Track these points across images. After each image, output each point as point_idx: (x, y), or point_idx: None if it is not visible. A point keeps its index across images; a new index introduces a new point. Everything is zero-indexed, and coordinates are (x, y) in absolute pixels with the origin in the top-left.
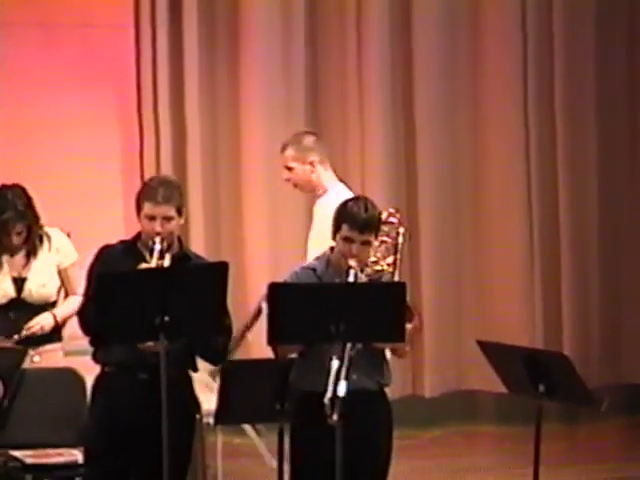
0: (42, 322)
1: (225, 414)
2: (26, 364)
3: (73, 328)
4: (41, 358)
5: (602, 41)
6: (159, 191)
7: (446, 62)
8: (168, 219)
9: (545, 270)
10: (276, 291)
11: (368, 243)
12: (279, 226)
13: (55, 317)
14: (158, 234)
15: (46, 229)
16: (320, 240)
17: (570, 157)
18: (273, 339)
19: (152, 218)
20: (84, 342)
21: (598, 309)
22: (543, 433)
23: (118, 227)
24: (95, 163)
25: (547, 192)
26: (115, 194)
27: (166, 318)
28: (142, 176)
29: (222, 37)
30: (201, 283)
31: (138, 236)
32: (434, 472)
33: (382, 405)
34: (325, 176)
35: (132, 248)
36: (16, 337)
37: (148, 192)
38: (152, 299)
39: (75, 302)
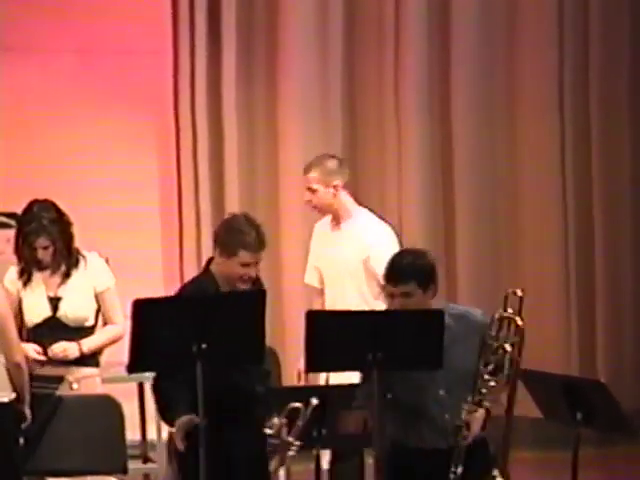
0: (67, 348)
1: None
2: (65, 391)
3: (110, 355)
4: (79, 385)
5: (637, 39)
6: (256, 238)
7: (483, 71)
8: (258, 263)
9: (580, 293)
10: (313, 318)
11: (408, 295)
12: None
13: (80, 348)
14: (250, 278)
15: (84, 252)
16: (355, 263)
17: (605, 176)
18: (310, 366)
19: (247, 265)
20: (122, 369)
21: (633, 329)
22: (579, 458)
23: (155, 253)
24: (133, 189)
25: (583, 213)
26: (153, 220)
27: (203, 345)
28: (180, 202)
29: (260, 62)
30: (238, 310)
31: (210, 273)
32: None
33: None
34: (348, 200)
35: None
36: (44, 358)
37: (244, 240)
38: (190, 326)
39: (110, 332)
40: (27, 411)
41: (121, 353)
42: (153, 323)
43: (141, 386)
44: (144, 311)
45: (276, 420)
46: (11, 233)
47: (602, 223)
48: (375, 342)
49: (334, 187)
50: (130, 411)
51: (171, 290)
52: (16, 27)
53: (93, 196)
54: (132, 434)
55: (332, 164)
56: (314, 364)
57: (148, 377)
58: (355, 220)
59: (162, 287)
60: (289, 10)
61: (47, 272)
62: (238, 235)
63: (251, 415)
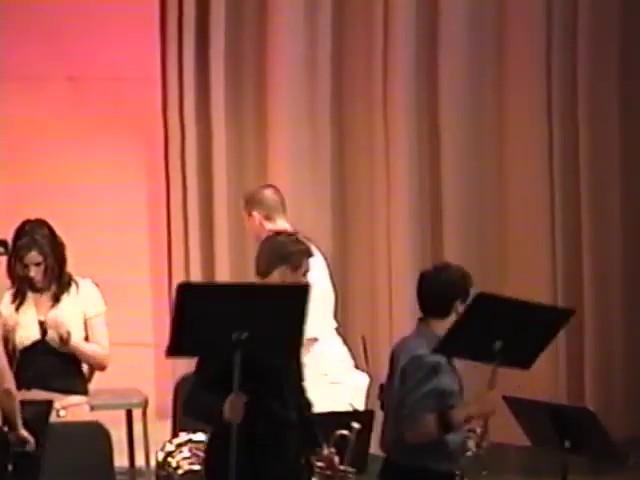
0: (64, 324)
1: None
2: (52, 418)
3: (99, 383)
4: (67, 412)
5: (626, 50)
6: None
7: (472, 78)
8: None
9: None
10: (483, 300)
11: None
12: None
13: (70, 338)
14: None
15: (77, 278)
16: None
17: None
18: (442, 348)
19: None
20: (110, 397)
21: (622, 358)
22: None
23: (144, 278)
24: (122, 215)
25: (570, 226)
26: (141, 245)
27: (244, 334)
28: (169, 227)
29: (248, 87)
30: (283, 303)
31: None
32: None
33: None
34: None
35: None
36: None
37: (305, 249)
38: (232, 314)
39: (95, 348)
40: (24, 434)
41: (108, 380)
42: (196, 308)
43: (129, 413)
44: (188, 295)
45: (326, 451)
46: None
47: (591, 242)
48: (504, 332)
49: (253, 217)
50: (118, 438)
51: (160, 315)
52: (6, 55)
53: (82, 222)
54: (120, 461)
55: (258, 194)
56: (446, 347)
57: (136, 404)
58: None
59: (150, 311)
60: (278, 36)
61: (39, 294)
62: (299, 245)
63: (284, 443)
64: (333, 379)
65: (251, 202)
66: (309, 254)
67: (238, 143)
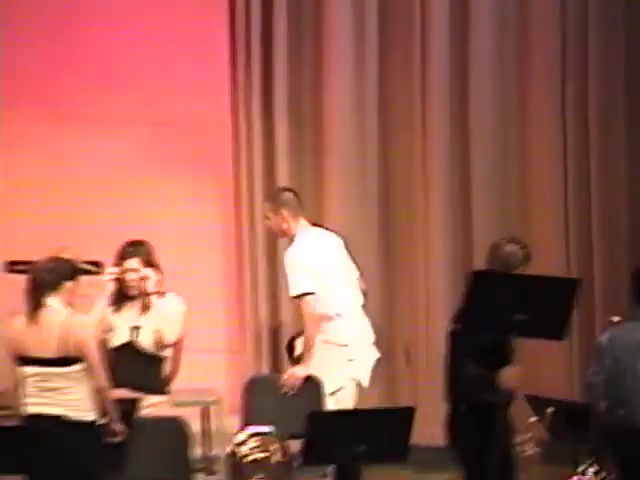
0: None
1: None
2: (138, 414)
3: (179, 384)
4: (151, 409)
5: (633, 56)
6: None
7: (498, 77)
8: None
9: (582, 322)
10: None
11: None
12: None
13: (162, 341)
14: None
15: (168, 294)
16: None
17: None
18: None
19: None
20: (188, 395)
21: None
22: None
23: (217, 296)
24: (199, 240)
25: (582, 219)
26: (214, 272)
27: (522, 317)
28: (238, 253)
29: (309, 131)
30: (557, 292)
31: None
32: None
33: None
34: (294, 227)
35: None
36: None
37: (529, 254)
38: (514, 299)
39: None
40: (117, 426)
41: (187, 381)
42: (484, 292)
43: (206, 409)
44: (479, 280)
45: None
46: (94, 279)
47: (600, 249)
48: None
49: (281, 215)
50: (195, 431)
51: (230, 325)
52: (95, 100)
53: (165, 248)
54: (197, 451)
55: (282, 197)
56: None
57: (212, 402)
58: (293, 246)
59: (222, 322)
60: (333, 81)
61: (134, 301)
62: (524, 250)
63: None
64: (349, 355)
65: (278, 202)
66: (530, 258)
67: (299, 181)
